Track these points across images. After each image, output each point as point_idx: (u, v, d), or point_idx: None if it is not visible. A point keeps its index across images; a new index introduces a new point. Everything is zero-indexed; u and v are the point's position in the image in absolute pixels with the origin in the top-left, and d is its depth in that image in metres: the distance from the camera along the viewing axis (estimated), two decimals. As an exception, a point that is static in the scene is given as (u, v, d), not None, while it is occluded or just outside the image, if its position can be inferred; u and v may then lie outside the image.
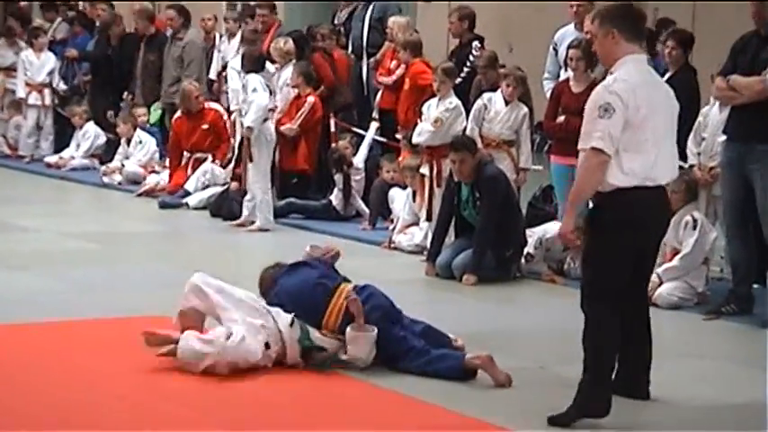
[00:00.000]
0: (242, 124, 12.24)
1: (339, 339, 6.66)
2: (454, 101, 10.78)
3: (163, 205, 13.15)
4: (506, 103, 10.89)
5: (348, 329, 6.63)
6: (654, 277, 8.81)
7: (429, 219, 10.56)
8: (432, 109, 10.80)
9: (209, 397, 6.11)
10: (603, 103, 5.88)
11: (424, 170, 10.78)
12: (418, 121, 11.05)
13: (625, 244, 5.96)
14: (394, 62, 13.10)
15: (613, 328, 6.02)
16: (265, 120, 11.88)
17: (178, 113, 13.86)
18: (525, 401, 6.31)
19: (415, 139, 10.94)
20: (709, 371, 7.27)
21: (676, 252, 8.94)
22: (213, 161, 13.43)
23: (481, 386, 6.51)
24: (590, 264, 6.09)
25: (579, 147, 5.98)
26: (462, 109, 10.76)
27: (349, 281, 7.09)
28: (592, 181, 5.95)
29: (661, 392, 6.53)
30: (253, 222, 11.83)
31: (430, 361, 6.62)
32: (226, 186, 12.78)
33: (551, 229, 9.85)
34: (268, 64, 12.84)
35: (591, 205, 6.24)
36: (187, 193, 13.30)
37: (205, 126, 13.52)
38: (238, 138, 12.77)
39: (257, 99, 11.77)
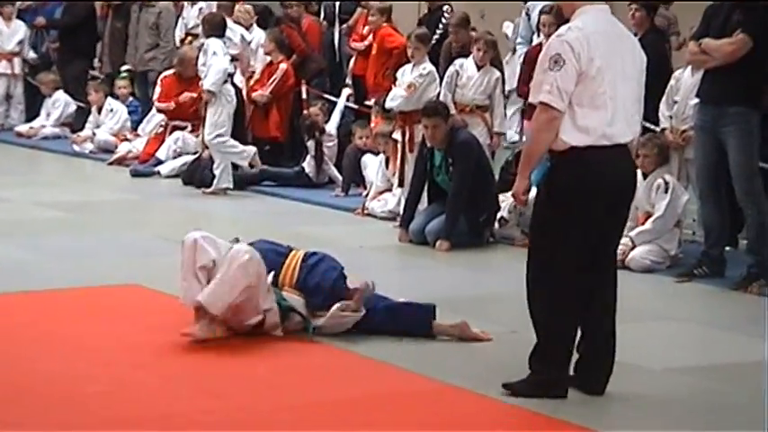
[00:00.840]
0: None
1: (300, 295, 6.61)
2: (428, 67, 10.75)
3: (135, 174, 13.10)
4: (478, 68, 10.88)
5: (338, 306, 6.55)
6: (626, 240, 8.86)
7: (401, 185, 10.56)
8: (406, 74, 10.77)
9: (186, 366, 6.10)
10: (554, 54, 5.51)
11: (397, 136, 10.77)
12: (393, 86, 11.01)
13: (581, 210, 5.55)
14: (367, 28, 13.07)
15: (568, 302, 5.61)
16: (225, 82, 11.87)
17: (169, 72, 13.77)
18: (498, 366, 6.33)
19: (388, 104, 10.91)
20: (681, 333, 7.31)
21: (649, 215, 8.99)
22: (192, 131, 13.35)
23: (454, 351, 6.52)
24: (544, 231, 5.68)
25: (529, 101, 5.67)
26: (436, 75, 10.74)
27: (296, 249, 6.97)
28: (542, 138, 5.56)
29: (633, 356, 6.55)
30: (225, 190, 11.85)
31: (395, 314, 6.64)
32: (198, 155, 12.73)
33: (525, 192, 9.91)
34: (241, 29, 12.81)
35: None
36: (159, 162, 13.26)
37: (193, 95, 13.40)
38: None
39: (216, 63, 11.77)
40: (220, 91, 11.83)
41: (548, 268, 5.63)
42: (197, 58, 12.48)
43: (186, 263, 6.41)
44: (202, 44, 12.36)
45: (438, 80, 10.72)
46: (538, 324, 5.72)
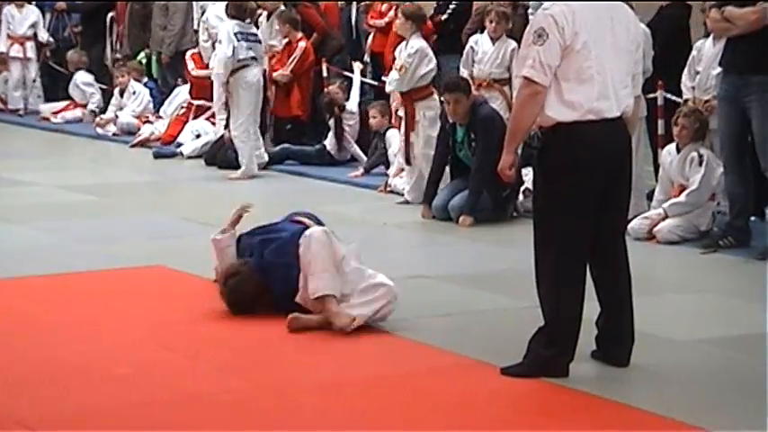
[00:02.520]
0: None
1: None
2: (416, 44, 10.53)
3: (157, 155, 13.13)
4: (493, 41, 10.86)
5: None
6: (660, 211, 8.84)
7: (408, 163, 10.51)
8: (401, 54, 10.69)
9: (211, 346, 6.12)
10: (538, 28, 5.38)
11: (401, 113, 10.73)
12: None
13: (572, 187, 5.43)
14: (385, 5, 13.04)
15: (571, 280, 5.52)
16: (241, 68, 11.82)
17: (195, 50, 13.79)
18: (522, 341, 6.32)
19: (387, 89, 10.91)
20: (707, 305, 7.28)
21: (683, 188, 8.92)
22: (210, 118, 13.38)
23: (479, 327, 6.51)
24: (539, 209, 5.61)
25: (514, 74, 5.63)
26: (428, 51, 10.53)
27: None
28: (525, 113, 5.44)
29: (659, 328, 6.54)
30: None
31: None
32: (220, 135, 12.74)
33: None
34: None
35: None
36: (180, 145, 13.31)
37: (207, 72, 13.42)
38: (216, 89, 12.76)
39: (219, 51, 11.77)
40: (235, 79, 11.78)
41: (549, 247, 5.53)
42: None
43: (323, 256, 6.39)
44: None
45: (430, 55, 10.53)
46: (544, 304, 5.62)
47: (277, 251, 6.59)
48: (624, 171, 5.69)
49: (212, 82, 12.90)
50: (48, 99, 16.59)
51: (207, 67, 13.18)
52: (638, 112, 6.05)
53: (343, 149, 12.33)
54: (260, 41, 12.24)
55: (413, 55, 10.48)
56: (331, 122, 12.32)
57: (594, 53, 5.43)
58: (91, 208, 10.24)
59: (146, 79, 15.15)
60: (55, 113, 15.76)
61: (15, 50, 16.41)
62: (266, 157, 12.12)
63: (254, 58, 11.97)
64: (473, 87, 10.50)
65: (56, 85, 16.63)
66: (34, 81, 16.60)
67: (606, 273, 5.75)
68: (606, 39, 5.48)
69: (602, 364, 5.81)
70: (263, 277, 6.52)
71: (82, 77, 15.87)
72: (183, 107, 13.86)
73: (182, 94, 14.16)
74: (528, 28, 5.50)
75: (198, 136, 13.31)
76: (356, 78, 12.74)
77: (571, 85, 5.41)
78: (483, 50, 10.90)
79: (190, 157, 12.85)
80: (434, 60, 10.56)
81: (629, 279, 5.82)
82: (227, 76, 11.75)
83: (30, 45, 16.47)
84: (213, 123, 13.18)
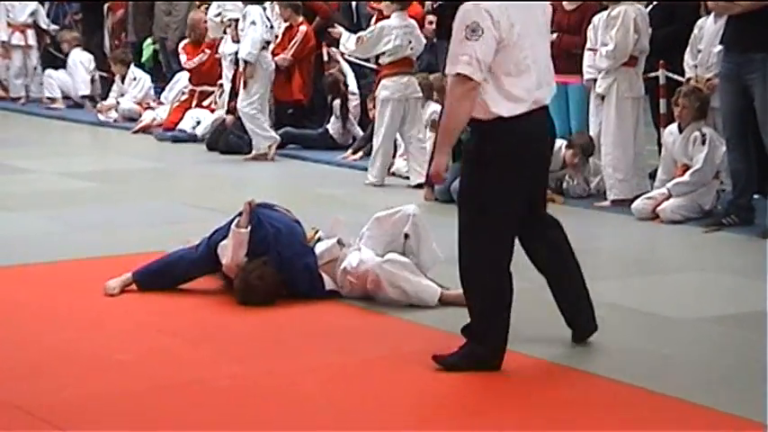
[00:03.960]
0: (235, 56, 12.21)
1: None
2: (387, 21, 10.50)
3: (175, 140, 13.16)
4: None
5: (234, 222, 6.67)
6: (663, 191, 8.82)
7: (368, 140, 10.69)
8: None
9: (212, 331, 6.11)
10: (471, 23, 5.15)
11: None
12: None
13: (514, 177, 5.32)
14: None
15: (500, 271, 5.42)
16: (262, 49, 11.84)
17: (186, 41, 13.79)
18: (528, 322, 6.31)
19: (341, 48, 11.11)
20: (710, 283, 7.26)
21: (686, 168, 8.89)
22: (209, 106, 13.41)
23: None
24: (475, 202, 5.39)
25: (446, 72, 5.36)
26: (390, 30, 10.41)
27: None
28: (461, 111, 5.23)
29: (663, 307, 6.54)
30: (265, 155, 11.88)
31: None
32: (221, 120, 12.73)
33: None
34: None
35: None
36: (182, 132, 13.32)
37: (205, 54, 13.43)
38: (227, 71, 12.72)
39: (252, 32, 11.73)
40: (257, 60, 11.80)
41: (479, 237, 5.40)
42: (205, 21, 12.52)
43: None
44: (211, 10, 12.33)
45: (395, 34, 10.41)
46: (471, 296, 5.52)
47: (291, 247, 6.63)
48: (549, 154, 5.71)
49: (211, 66, 12.93)
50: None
51: (210, 47, 13.22)
52: None
53: (347, 132, 12.32)
54: (273, 26, 12.27)
55: (372, 31, 10.49)
56: (335, 104, 12.31)
57: (528, 42, 5.30)
58: (93, 195, 10.24)
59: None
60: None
61: (17, 38, 16.40)
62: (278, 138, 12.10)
63: (268, 42, 12.01)
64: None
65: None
66: (35, 69, 16.59)
67: (543, 246, 5.72)
68: (534, 25, 5.37)
69: (604, 345, 5.80)
70: (283, 272, 6.53)
71: (79, 56, 15.86)
72: (183, 93, 13.84)
73: (182, 80, 14.14)
74: (458, 22, 5.25)
75: (198, 123, 13.32)
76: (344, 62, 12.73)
77: (512, 79, 5.27)
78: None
79: (203, 137, 12.88)
80: (400, 41, 10.38)
81: (570, 249, 5.77)
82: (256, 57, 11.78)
83: (31, 33, 16.47)
84: (213, 111, 13.20)
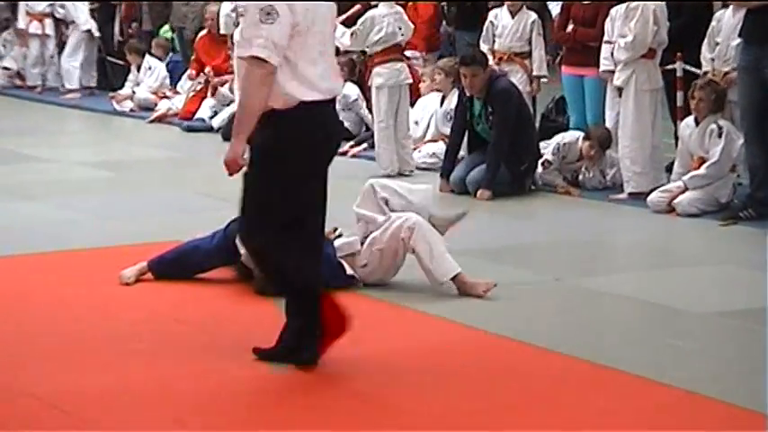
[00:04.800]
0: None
1: None
2: (368, 13, 10.52)
3: (189, 129, 13.18)
4: (512, 15, 10.87)
5: None
6: (679, 184, 8.79)
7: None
8: None
9: (228, 321, 6.12)
10: (265, 6, 5.04)
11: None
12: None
13: (302, 166, 5.22)
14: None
15: (294, 255, 5.29)
16: None
17: (203, 32, 13.81)
18: (541, 314, 6.31)
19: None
20: (726, 277, 7.24)
21: (702, 161, 8.85)
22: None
23: (498, 300, 6.50)
24: (258, 191, 5.27)
25: (237, 55, 5.25)
26: (380, 20, 10.39)
27: None
28: (258, 96, 5.10)
29: (678, 300, 6.52)
30: None
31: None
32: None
33: (568, 135, 9.91)
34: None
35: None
36: (202, 121, 13.35)
37: (230, 51, 13.48)
38: (237, 61, 12.73)
39: None
40: None
41: (269, 224, 5.28)
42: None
43: (436, 240, 6.58)
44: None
45: (384, 23, 10.40)
46: (279, 280, 5.45)
47: None
48: (335, 150, 5.53)
49: (223, 62, 12.95)
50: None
51: (207, 59, 13.27)
52: None
53: (360, 122, 12.32)
54: None
55: (362, 23, 10.47)
56: (350, 89, 12.33)
57: (320, 31, 5.23)
58: (108, 184, 10.25)
59: (171, 54, 15.16)
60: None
61: (34, 27, 16.44)
62: None
63: None
64: (494, 61, 10.52)
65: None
66: (52, 57, 16.62)
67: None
68: (321, 17, 5.26)
69: (618, 337, 5.79)
70: None
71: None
72: (200, 83, 13.85)
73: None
74: (252, 4, 5.12)
75: (215, 113, 13.33)
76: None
77: (306, 65, 5.16)
78: (503, 24, 10.95)
79: (219, 128, 12.88)
80: (392, 28, 10.38)
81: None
82: None
83: (48, 22, 16.49)
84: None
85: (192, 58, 13.90)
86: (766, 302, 5.98)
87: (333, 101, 5.36)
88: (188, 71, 14.03)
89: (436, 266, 6.52)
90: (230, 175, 5.31)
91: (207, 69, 13.56)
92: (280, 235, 5.25)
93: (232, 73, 13.27)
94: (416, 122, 11.00)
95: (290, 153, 5.19)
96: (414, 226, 6.56)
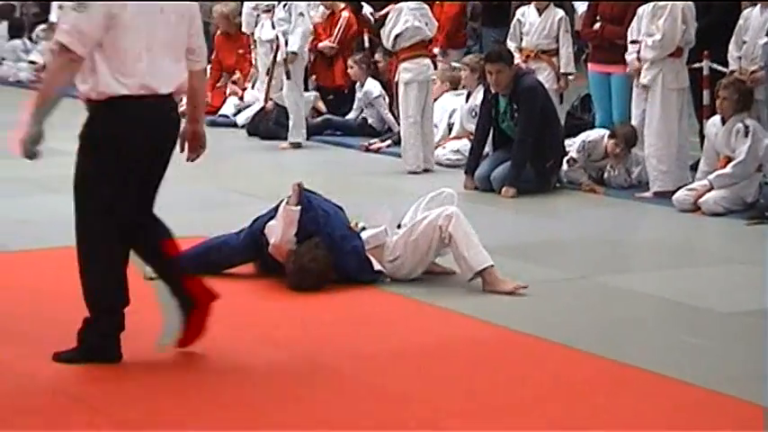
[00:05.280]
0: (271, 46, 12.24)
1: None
2: (398, 5, 10.51)
3: (213, 124, 13.22)
4: (539, 12, 10.86)
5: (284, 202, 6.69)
6: (705, 182, 8.76)
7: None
8: None
9: (251, 316, 6.13)
10: None
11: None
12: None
13: (121, 162, 5.15)
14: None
15: (107, 259, 5.28)
16: None
17: (218, 31, 13.88)
18: (566, 311, 6.30)
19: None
20: (752, 277, 7.19)
21: (729, 160, 8.82)
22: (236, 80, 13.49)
23: (522, 297, 6.49)
24: (82, 186, 5.26)
25: (53, 40, 5.15)
26: (406, 11, 10.39)
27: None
28: (56, 81, 5.09)
29: (702, 300, 6.50)
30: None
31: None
32: (262, 106, 12.76)
33: (593, 133, 9.88)
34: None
35: None
36: (225, 117, 13.39)
37: (240, 50, 13.58)
38: (262, 58, 12.77)
39: (301, 24, 11.73)
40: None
41: (86, 223, 5.27)
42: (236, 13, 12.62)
43: (472, 232, 6.63)
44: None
45: (410, 16, 10.41)
46: (88, 279, 5.36)
47: (340, 229, 6.67)
48: (170, 145, 5.45)
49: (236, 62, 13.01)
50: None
51: (248, 40, 13.31)
52: (203, 83, 5.73)
53: (383, 120, 12.33)
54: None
55: (391, 16, 10.48)
56: (371, 91, 12.32)
57: (149, 27, 5.12)
58: (134, 178, 10.27)
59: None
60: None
61: None
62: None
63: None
64: (521, 59, 10.51)
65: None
66: None
67: (141, 249, 5.54)
68: (156, 14, 5.16)
69: (640, 335, 5.77)
70: (333, 254, 6.55)
71: None
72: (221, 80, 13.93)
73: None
74: None
75: (239, 111, 13.38)
76: None
77: (127, 59, 5.08)
78: (530, 22, 10.93)
79: (243, 126, 12.90)
80: (417, 22, 10.39)
81: (170, 262, 5.62)
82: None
83: None
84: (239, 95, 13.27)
85: (212, 57, 13.97)
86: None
87: (163, 98, 5.23)
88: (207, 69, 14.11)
89: (472, 255, 6.54)
90: (24, 156, 5.28)
91: (236, 76, 13.61)
92: (94, 226, 5.22)
93: (242, 71, 13.42)
94: (435, 125, 10.96)
95: (103, 145, 5.18)
96: (452, 214, 6.60)
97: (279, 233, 6.55)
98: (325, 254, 6.50)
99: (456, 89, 11.43)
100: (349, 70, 12.38)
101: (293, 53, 11.73)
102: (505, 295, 6.46)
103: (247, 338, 5.76)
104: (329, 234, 6.59)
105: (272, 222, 6.64)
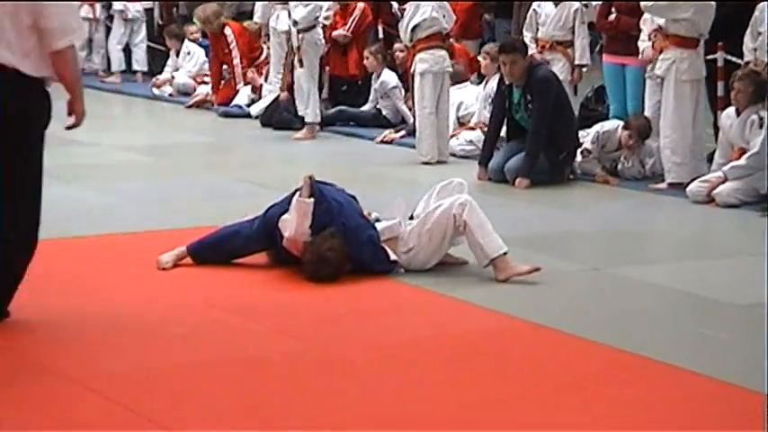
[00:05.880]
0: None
1: None
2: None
3: (225, 115, 13.23)
4: (555, 4, 10.85)
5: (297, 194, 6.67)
6: (719, 174, 8.73)
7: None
8: None
9: (266, 307, 6.13)
10: None
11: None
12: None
13: None
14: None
15: None
16: (313, 27, 11.84)
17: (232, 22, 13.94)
18: (579, 303, 6.29)
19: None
20: (764, 269, 7.17)
21: (743, 152, 8.79)
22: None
23: (535, 289, 6.48)
24: None
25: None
26: (423, 5, 10.37)
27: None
28: None
29: (715, 292, 6.48)
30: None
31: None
32: (276, 96, 12.75)
33: (607, 124, 9.87)
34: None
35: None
36: (239, 107, 13.40)
37: (226, 50, 13.62)
38: (275, 49, 12.76)
39: (312, 2, 11.71)
40: (304, 38, 11.78)
41: None
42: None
43: (486, 219, 6.65)
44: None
45: (429, 7, 10.39)
46: None
47: (354, 219, 6.67)
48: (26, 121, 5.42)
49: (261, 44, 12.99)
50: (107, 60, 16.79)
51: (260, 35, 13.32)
52: (65, 62, 5.52)
53: (398, 111, 12.31)
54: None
55: (408, 8, 10.46)
56: (387, 81, 12.31)
57: None
58: (147, 168, 10.29)
59: (201, 39, 15.23)
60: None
61: (85, 11, 16.53)
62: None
63: (316, 18, 12.03)
64: (536, 50, 10.49)
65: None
66: (92, 41, 16.75)
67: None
68: None
69: (652, 327, 5.76)
70: (348, 243, 6.54)
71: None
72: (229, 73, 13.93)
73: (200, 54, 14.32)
74: None
75: (252, 101, 13.37)
76: None
77: None
78: (546, 13, 10.93)
79: (257, 117, 12.89)
80: (435, 13, 10.37)
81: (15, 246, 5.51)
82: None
83: (99, 6, 16.59)
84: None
85: (210, 53, 13.98)
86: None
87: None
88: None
89: (488, 241, 6.55)
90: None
91: (250, 73, 13.61)
92: None
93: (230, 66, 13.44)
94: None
95: None
96: (466, 202, 6.62)
97: (293, 226, 6.54)
98: (342, 243, 6.49)
99: (459, 83, 11.37)
100: (365, 61, 12.37)
101: (295, 22, 11.70)
102: (522, 278, 6.46)
103: (261, 329, 5.75)
104: (344, 224, 6.59)
105: (285, 216, 6.63)
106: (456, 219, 6.58)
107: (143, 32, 16.47)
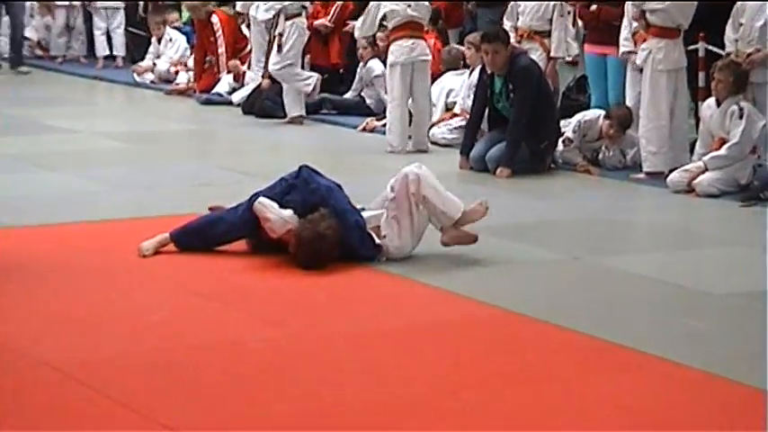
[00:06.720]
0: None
1: None
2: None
3: (207, 102, 13.18)
4: (537, -6, 10.90)
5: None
6: (699, 164, 8.76)
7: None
8: None
9: (245, 294, 6.13)
10: None
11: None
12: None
13: None
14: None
15: None
16: (298, 15, 11.81)
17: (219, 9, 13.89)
18: (559, 291, 6.31)
19: (356, 34, 11.47)
20: (746, 258, 7.21)
21: (724, 142, 8.82)
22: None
23: (515, 278, 6.50)
24: None
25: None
26: None
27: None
28: None
29: (695, 281, 6.51)
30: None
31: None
32: (258, 84, 12.73)
33: (589, 113, 9.89)
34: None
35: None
36: (219, 95, 13.37)
37: (212, 38, 13.56)
38: (256, 37, 12.73)
39: None
40: (294, 23, 11.75)
41: None
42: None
43: (437, 183, 6.77)
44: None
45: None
46: None
47: (342, 202, 6.70)
48: None
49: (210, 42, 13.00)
50: (88, 46, 16.71)
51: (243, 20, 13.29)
52: None
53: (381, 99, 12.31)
54: None
55: (369, 7, 10.50)
56: (371, 70, 12.30)
57: None
58: (128, 155, 10.27)
59: (182, 25, 15.19)
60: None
61: None
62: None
63: (304, 7, 12.01)
64: (515, 38, 10.49)
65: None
66: (73, 29, 16.68)
67: None
68: None
69: (633, 317, 5.77)
70: (340, 228, 6.56)
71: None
72: (210, 60, 13.88)
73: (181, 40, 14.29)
74: None
75: (234, 89, 13.34)
76: None
77: None
78: (525, 3, 10.93)
79: (238, 104, 12.86)
80: (395, 5, 10.38)
81: None
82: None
83: None
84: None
85: (196, 41, 13.93)
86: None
87: None
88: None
89: (449, 206, 6.68)
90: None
91: (234, 62, 13.57)
92: None
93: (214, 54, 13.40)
94: (434, 104, 10.96)
95: None
96: (416, 177, 6.66)
97: (274, 227, 6.52)
98: (337, 223, 6.52)
99: (457, 69, 11.40)
100: (362, 50, 12.27)
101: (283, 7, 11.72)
102: (503, 266, 6.51)
103: (241, 316, 5.76)
104: (333, 206, 6.61)
105: (268, 223, 6.59)
106: (415, 196, 6.61)
107: (119, 17, 16.38)
